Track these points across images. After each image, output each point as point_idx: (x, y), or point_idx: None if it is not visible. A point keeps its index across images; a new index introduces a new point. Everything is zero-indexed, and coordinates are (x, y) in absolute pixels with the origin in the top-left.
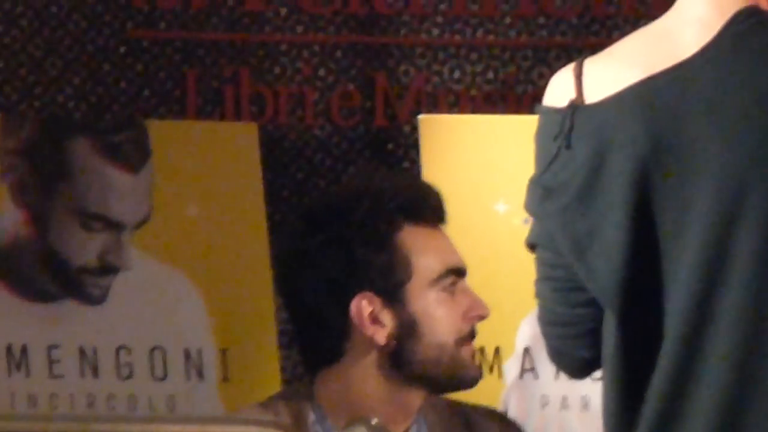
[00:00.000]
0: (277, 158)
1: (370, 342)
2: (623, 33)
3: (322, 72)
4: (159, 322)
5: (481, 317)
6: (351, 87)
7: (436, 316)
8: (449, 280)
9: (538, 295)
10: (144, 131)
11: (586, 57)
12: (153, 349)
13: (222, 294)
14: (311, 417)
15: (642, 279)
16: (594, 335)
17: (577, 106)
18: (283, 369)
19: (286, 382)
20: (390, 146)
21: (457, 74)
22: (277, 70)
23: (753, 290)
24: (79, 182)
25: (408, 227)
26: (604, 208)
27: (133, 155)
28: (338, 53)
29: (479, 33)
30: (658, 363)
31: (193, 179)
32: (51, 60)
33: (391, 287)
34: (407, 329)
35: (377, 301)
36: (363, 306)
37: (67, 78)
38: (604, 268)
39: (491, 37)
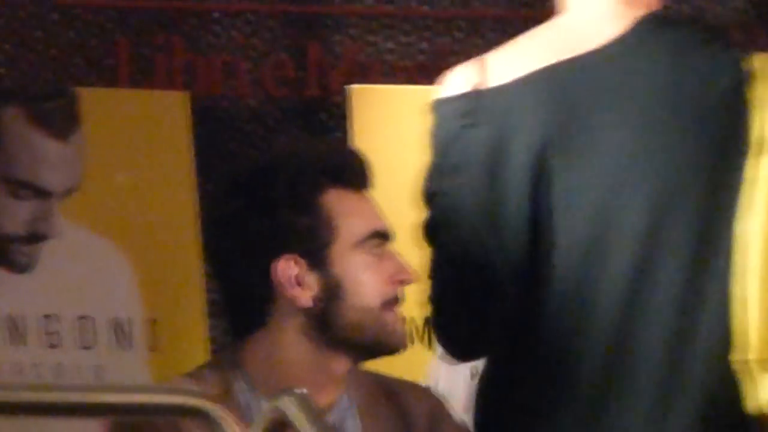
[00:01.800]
0: (208, 127)
1: (294, 305)
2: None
3: (254, 41)
4: (87, 290)
5: (406, 282)
6: (284, 57)
7: (361, 279)
8: (374, 242)
9: (436, 277)
10: (75, 99)
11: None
12: (81, 318)
13: (151, 263)
14: (239, 386)
15: (538, 250)
16: (490, 318)
17: (481, 90)
18: (211, 338)
19: (215, 351)
20: (322, 116)
21: (390, 44)
22: (209, 39)
23: (633, 262)
24: (8, 150)
25: (332, 190)
26: (507, 184)
27: (64, 123)
28: (271, 23)
29: (413, 3)
30: (545, 325)
31: (124, 148)
32: None
33: (315, 249)
34: (332, 292)
35: (301, 264)
36: (286, 268)
37: None
38: (511, 237)
39: (425, 8)
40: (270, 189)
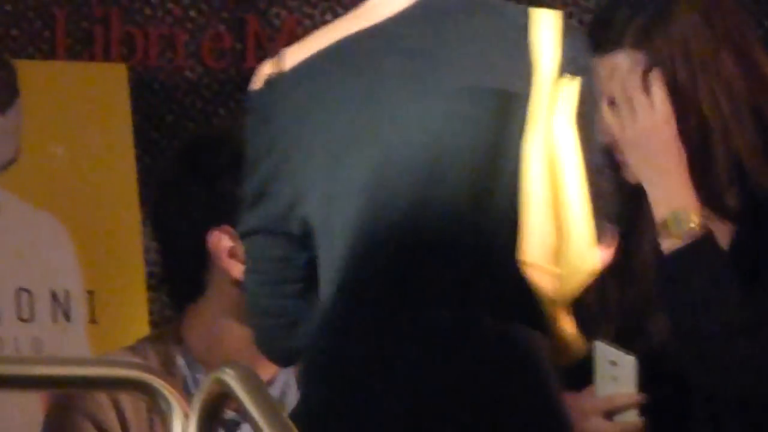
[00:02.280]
0: (147, 100)
1: (229, 277)
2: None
3: (192, 13)
4: (26, 263)
5: None
6: (222, 29)
7: None
8: None
9: (248, 287)
10: (12, 71)
11: None
12: (19, 291)
13: (90, 236)
14: (180, 360)
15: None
16: (302, 326)
17: (271, 80)
18: (150, 311)
19: (154, 324)
20: None
21: (329, 16)
22: (147, 11)
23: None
24: None
25: None
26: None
27: (1, 95)
28: None
29: None
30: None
31: (62, 120)
32: None
33: None
34: None
35: (236, 236)
36: (221, 239)
37: None
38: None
39: None
40: (212, 159)
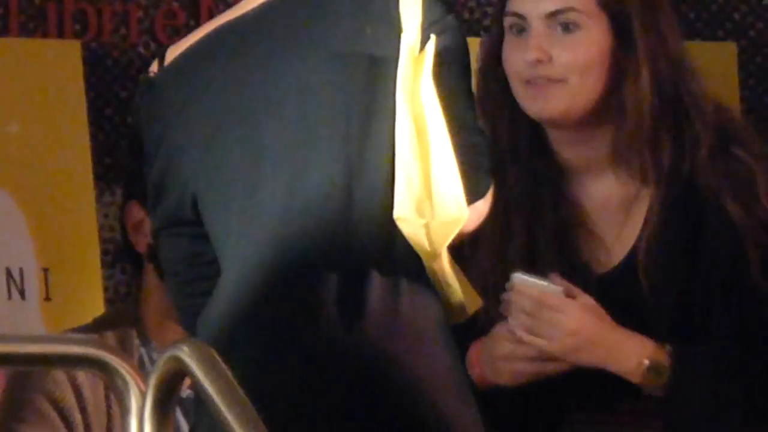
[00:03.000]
0: (100, 76)
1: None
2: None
3: None
4: None
5: None
6: (175, 5)
7: None
8: None
9: (167, 286)
10: None
11: None
12: None
13: (44, 212)
14: (135, 340)
15: None
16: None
17: (151, 79)
18: (105, 288)
19: (109, 301)
20: None
21: None
22: None
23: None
24: None
25: None
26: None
27: None
28: None
29: None
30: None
31: (16, 97)
32: None
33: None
34: None
35: (143, 211)
36: (130, 213)
37: None
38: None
39: None
40: (134, 137)
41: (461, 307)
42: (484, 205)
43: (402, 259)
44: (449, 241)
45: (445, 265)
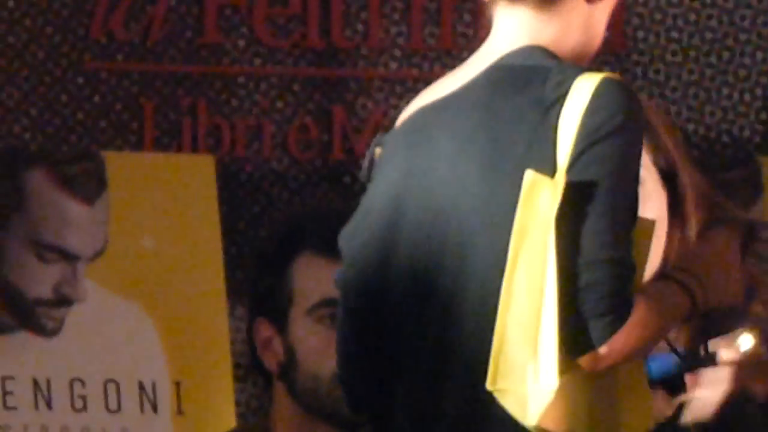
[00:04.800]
0: (233, 191)
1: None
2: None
3: (279, 104)
4: (113, 354)
5: None
6: (308, 120)
7: (309, 346)
8: (326, 311)
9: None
10: (101, 163)
11: None
12: (107, 382)
13: (177, 327)
14: None
15: None
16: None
17: (378, 141)
18: (237, 402)
19: (240, 415)
20: (347, 180)
21: None
22: (234, 102)
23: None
24: (34, 213)
25: (307, 256)
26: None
27: (90, 187)
28: (296, 86)
29: (437, 67)
30: None
31: (150, 211)
32: (8, 90)
33: (279, 315)
34: (290, 358)
35: (271, 328)
36: (258, 331)
37: (24, 109)
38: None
39: (448, 71)
40: (256, 254)
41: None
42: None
43: None
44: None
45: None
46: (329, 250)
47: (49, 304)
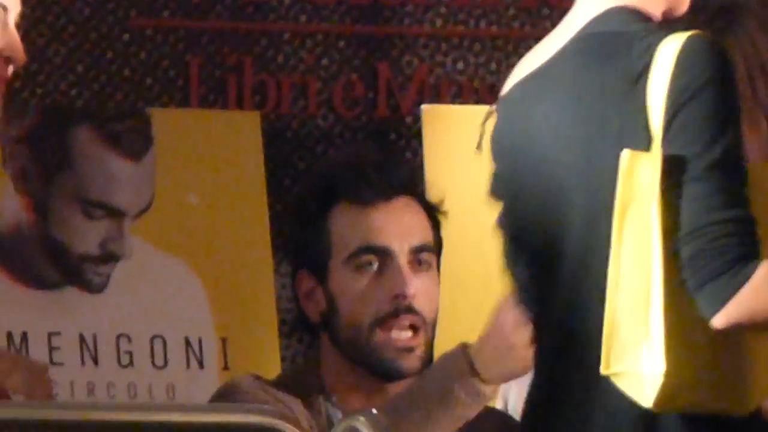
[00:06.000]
0: (279, 148)
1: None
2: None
3: (325, 62)
4: (159, 310)
5: (401, 299)
6: (354, 77)
7: (348, 294)
8: (365, 258)
9: None
10: (147, 120)
11: None
12: (153, 338)
13: (223, 283)
14: (321, 401)
15: None
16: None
17: (490, 112)
18: (283, 358)
19: (286, 371)
20: (392, 136)
21: (460, 65)
22: (280, 59)
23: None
24: (80, 170)
25: (343, 205)
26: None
27: (136, 143)
28: (341, 43)
29: (482, 24)
30: None
31: (195, 168)
32: (54, 48)
33: (319, 264)
34: (330, 307)
35: (312, 279)
36: (300, 283)
37: (70, 66)
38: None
39: (494, 28)
40: (293, 207)
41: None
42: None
43: None
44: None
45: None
46: (363, 198)
47: (95, 260)
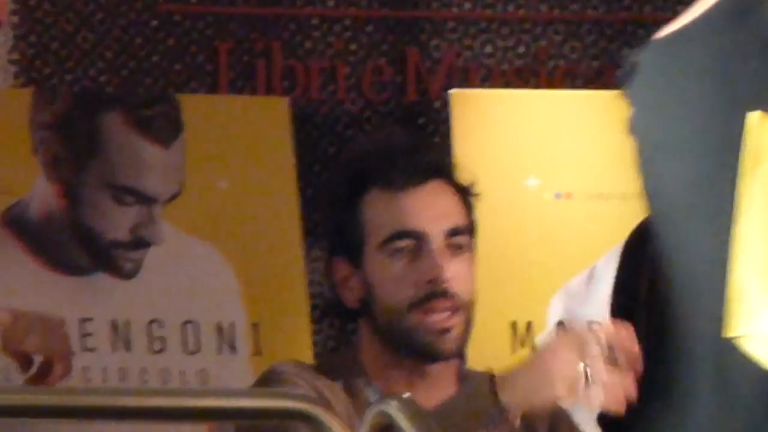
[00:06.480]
0: (308, 133)
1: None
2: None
3: (353, 46)
4: (191, 295)
5: (435, 283)
6: (382, 62)
7: (384, 279)
8: (400, 243)
9: None
10: (176, 105)
11: None
12: (185, 323)
13: (254, 268)
14: (361, 384)
15: None
16: None
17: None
18: (314, 343)
19: (317, 356)
20: (421, 121)
21: (488, 49)
22: (308, 44)
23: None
24: (111, 156)
25: (375, 192)
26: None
27: (165, 129)
28: (370, 28)
29: (510, 7)
30: None
31: (225, 153)
32: (83, 34)
33: (354, 251)
34: (367, 293)
35: (347, 265)
36: (336, 270)
37: (100, 52)
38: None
39: (522, 12)
40: (328, 191)
41: None
42: None
43: None
44: None
45: None
46: (395, 184)
47: (126, 246)
